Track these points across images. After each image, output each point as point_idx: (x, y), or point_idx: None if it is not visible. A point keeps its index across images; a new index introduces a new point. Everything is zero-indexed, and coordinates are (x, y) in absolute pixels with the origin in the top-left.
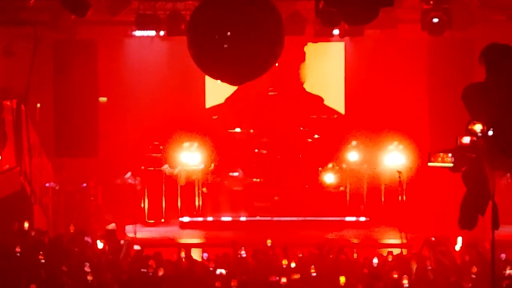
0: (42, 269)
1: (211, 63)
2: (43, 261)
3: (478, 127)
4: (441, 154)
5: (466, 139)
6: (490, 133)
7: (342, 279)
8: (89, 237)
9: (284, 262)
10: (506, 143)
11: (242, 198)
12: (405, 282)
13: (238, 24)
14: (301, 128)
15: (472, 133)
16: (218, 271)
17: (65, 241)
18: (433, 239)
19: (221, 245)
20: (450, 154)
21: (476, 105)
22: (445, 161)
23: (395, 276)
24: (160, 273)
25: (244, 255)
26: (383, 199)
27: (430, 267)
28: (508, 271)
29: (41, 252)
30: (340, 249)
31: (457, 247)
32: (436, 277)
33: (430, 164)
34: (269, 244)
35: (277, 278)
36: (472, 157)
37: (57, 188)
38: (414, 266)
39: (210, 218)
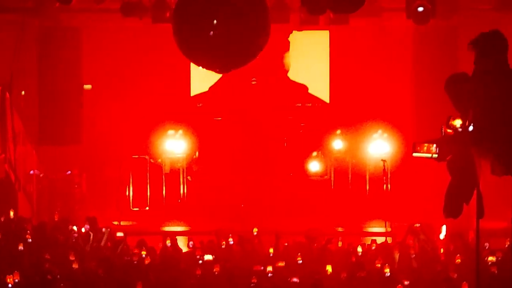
0: (25, 257)
1: (196, 51)
2: (29, 240)
3: (458, 122)
4: (426, 145)
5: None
6: (471, 128)
7: (329, 268)
8: (73, 225)
9: (271, 250)
10: (492, 131)
11: (227, 186)
12: (387, 271)
13: (223, 12)
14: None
15: (452, 128)
16: (206, 257)
17: (49, 229)
18: (417, 225)
19: (206, 233)
20: (434, 145)
21: (459, 95)
22: (430, 152)
23: (378, 265)
24: (146, 261)
25: (232, 242)
26: (367, 188)
27: (413, 256)
28: (490, 258)
29: (27, 237)
30: (328, 240)
31: (442, 236)
32: (420, 266)
33: (415, 154)
34: (255, 233)
35: (262, 267)
36: (457, 146)
37: (41, 175)
38: (397, 255)
39: (194, 206)
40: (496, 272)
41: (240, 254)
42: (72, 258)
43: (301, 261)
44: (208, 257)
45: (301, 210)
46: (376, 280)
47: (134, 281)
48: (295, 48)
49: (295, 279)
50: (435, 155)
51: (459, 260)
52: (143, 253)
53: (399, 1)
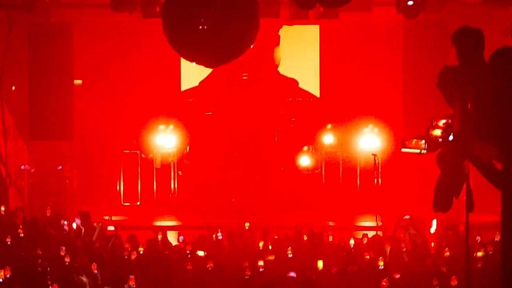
0: (17, 252)
1: (186, 46)
2: (21, 234)
3: (437, 132)
4: (415, 140)
5: (437, 132)
6: (451, 138)
7: (320, 264)
8: (64, 220)
9: (261, 244)
10: (486, 128)
11: (218, 180)
12: (381, 264)
13: (213, 6)
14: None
15: (432, 139)
16: (200, 253)
17: (41, 224)
18: (407, 217)
19: (197, 227)
20: (423, 140)
21: (451, 90)
22: (419, 147)
23: (367, 257)
24: (133, 256)
25: (220, 237)
26: (358, 182)
27: (405, 249)
28: (479, 254)
29: (19, 231)
30: (319, 233)
31: (432, 230)
32: (411, 260)
33: (403, 150)
34: (247, 227)
35: (248, 264)
36: (446, 142)
37: (32, 170)
38: (388, 248)
39: (185, 201)
40: (485, 266)
41: (231, 248)
42: (63, 253)
43: (291, 255)
44: (200, 253)
45: (292, 204)
46: (368, 273)
47: (127, 275)
48: (285, 42)
49: (292, 274)
50: (424, 151)
51: (448, 253)
52: (141, 249)
53: None
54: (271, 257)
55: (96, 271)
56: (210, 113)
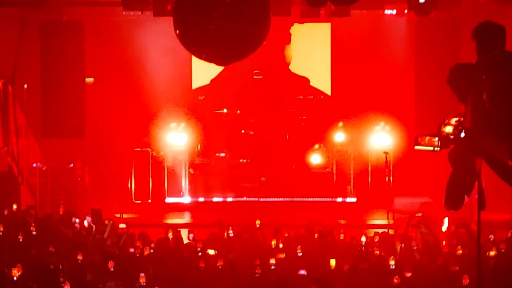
0: (29, 249)
1: (197, 44)
2: (34, 232)
3: (449, 129)
4: (428, 138)
5: (449, 129)
6: (462, 134)
7: (333, 262)
8: (77, 218)
9: (273, 242)
10: (500, 125)
11: (229, 179)
12: (392, 263)
13: (224, 4)
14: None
15: (443, 135)
16: (210, 251)
17: (54, 222)
18: (419, 214)
19: (208, 225)
20: (436, 138)
21: (462, 87)
22: (432, 144)
23: (377, 252)
24: (145, 253)
25: (232, 235)
26: (370, 180)
27: (415, 247)
28: (492, 253)
29: (32, 229)
30: (329, 231)
31: (444, 228)
32: (423, 258)
33: (416, 147)
34: (257, 225)
35: (260, 262)
36: (458, 139)
37: (44, 168)
38: (398, 246)
39: (196, 199)
40: (497, 264)
41: (242, 246)
42: (75, 250)
43: (301, 253)
44: (210, 251)
45: (303, 202)
46: (379, 271)
47: (138, 273)
48: (296, 40)
49: (302, 271)
50: (437, 148)
51: (460, 252)
52: (152, 245)
53: None
54: (281, 255)
55: (112, 269)
56: (221, 111)
